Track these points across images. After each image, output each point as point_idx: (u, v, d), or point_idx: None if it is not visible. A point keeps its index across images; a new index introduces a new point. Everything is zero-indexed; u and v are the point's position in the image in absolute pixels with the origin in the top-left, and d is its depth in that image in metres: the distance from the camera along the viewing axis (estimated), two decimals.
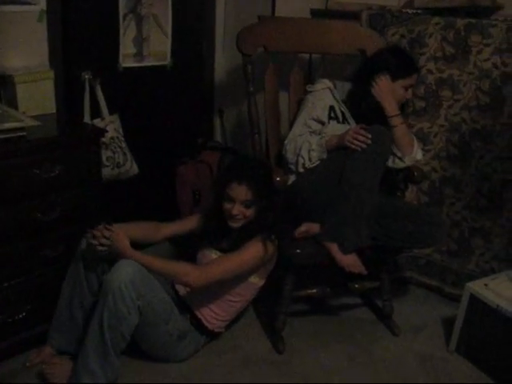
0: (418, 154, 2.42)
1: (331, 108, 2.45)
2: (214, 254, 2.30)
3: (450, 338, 2.46)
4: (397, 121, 2.36)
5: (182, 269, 2.12)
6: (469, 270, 2.75)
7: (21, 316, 2.18)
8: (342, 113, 2.45)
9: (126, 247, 2.05)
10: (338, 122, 2.43)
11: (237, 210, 2.18)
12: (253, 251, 2.19)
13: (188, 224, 2.43)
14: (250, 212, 2.19)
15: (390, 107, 2.37)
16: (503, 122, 2.53)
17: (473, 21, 2.50)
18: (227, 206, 2.20)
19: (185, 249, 2.47)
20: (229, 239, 2.30)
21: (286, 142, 2.46)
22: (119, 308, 1.96)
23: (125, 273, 1.97)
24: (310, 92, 2.51)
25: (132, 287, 1.97)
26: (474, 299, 2.33)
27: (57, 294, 2.21)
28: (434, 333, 2.59)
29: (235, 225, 2.22)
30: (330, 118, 2.44)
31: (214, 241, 2.34)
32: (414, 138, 2.45)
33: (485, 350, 2.32)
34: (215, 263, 2.22)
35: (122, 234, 2.06)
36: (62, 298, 2.20)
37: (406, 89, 2.40)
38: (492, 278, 2.42)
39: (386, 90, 2.38)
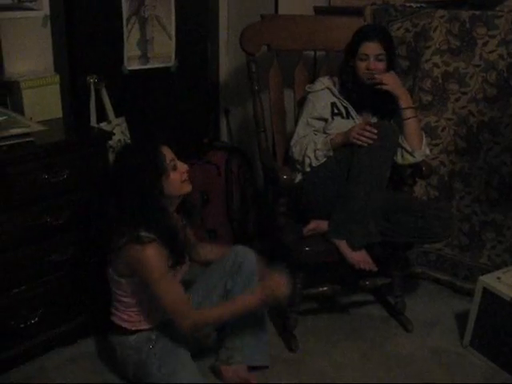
0: (426, 148, 2.41)
1: (333, 104, 2.44)
2: None
3: (463, 332, 2.44)
4: (412, 113, 2.36)
5: None
6: (481, 264, 2.73)
7: (33, 321, 2.18)
8: (345, 108, 2.44)
9: None
10: (342, 117, 2.42)
11: None
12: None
13: None
14: None
15: (406, 98, 2.36)
16: (511, 114, 2.51)
17: (477, 13, 2.48)
18: None
19: None
20: None
21: (291, 144, 2.45)
22: None
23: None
24: (310, 92, 2.50)
25: None
26: (487, 293, 2.31)
27: (68, 297, 2.23)
28: (448, 328, 2.57)
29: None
30: (333, 114, 2.42)
31: None
32: (423, 132, 2.44)
33: (499, 344, 2.30)
34: None
35: None
36: None
37: (364, 60, 2.36)
38: (504, 270, 2.40)
39: (398, 82, 2.38)
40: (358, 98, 2.43)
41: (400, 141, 2.33)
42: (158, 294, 1.96)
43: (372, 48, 2.33)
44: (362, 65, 2.36)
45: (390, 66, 2.39)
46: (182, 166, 2.04)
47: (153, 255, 1.91)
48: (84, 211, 2.20)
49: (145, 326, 2.08)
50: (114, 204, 1.96)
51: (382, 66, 2.35)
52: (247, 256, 2.18)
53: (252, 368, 2.21)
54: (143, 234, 1.92)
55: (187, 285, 2.21)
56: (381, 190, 2.25)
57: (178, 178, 2.02)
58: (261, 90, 2.59)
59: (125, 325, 2.08)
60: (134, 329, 2.07)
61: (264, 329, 2.24)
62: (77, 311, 2.33)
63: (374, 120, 2.43)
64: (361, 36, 2.37)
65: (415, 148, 2.34)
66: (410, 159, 2.36)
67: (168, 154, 2.00)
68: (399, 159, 2.36)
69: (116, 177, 2.00)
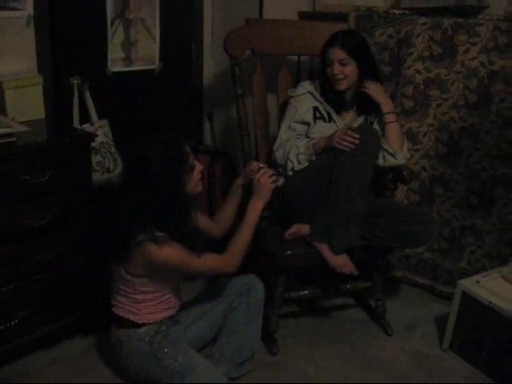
0: (407, 152, 2.44)
1: (315, 109, 2.46)
2: None
3: (443, 336, 2.47)
4: (393, 117, 2.39)
5: None
6: (460, 268, 2.76)
7: (13, 323, 2.17)
8: (327, 112, 2.46)
9: None
10: (325, 121, 2.44)
11: None
12: None
13: None
14: None
15: (388, 104, 2.40)
16: (491, 120, 2.54)
17: (459, 20, 2.51)
18: None
19: None
20: None
21: (274, 148, 2.47)
22: None
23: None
24: (292, 96, 2.52)
25: None
26: (467, 297, 2.33)
27: (52, 298, 2.21)
28: (427, 331, 2.59)
29: None
30: (315, 118, 2.45)
31: None
32: (404, 136, 2.48)
33: (478, 347, 2.32)
34: None
35: None
36: None
37: (329, 65, 2.40)
38: (484, 275, 2.44)
39: (380, 90, 2.42)
40: (335, 102, 2.46)
41: (382, 143, 2.36)
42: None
43: (334, 53, 2.36)
44: (328, 70, 2.40)
45: (365, 71, 2.40)
46: (199, 166, 2.07)
47: (170, 252, 1.94)
48: (68, 212, 2.21)
49: (153, 320, 2.08)
50: (134, 202, 1.95)
51: (347, 70, 2.37)
52: (258, 286, 2.27)
53: None
54: (158, 234, 1.93)
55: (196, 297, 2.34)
56: (362, 195, 2.27)
57: (196, 177, 2.05)
58: (244, 93, 2.60)
59: (132, 317, 2.07)
60: (141, 322, 2.07)
61: (253, 344, 2.27)
62: (60, 312, 2.31)
63: (357, 124, 2.45)
64: (326, 43, 2.41)
65: (397, 150, 2.37)
66: (392, 161, 2.37)
67: (190, 152, 2.03)
68: (381, 161, 2.37)
69: (139, 174, 1.96)
